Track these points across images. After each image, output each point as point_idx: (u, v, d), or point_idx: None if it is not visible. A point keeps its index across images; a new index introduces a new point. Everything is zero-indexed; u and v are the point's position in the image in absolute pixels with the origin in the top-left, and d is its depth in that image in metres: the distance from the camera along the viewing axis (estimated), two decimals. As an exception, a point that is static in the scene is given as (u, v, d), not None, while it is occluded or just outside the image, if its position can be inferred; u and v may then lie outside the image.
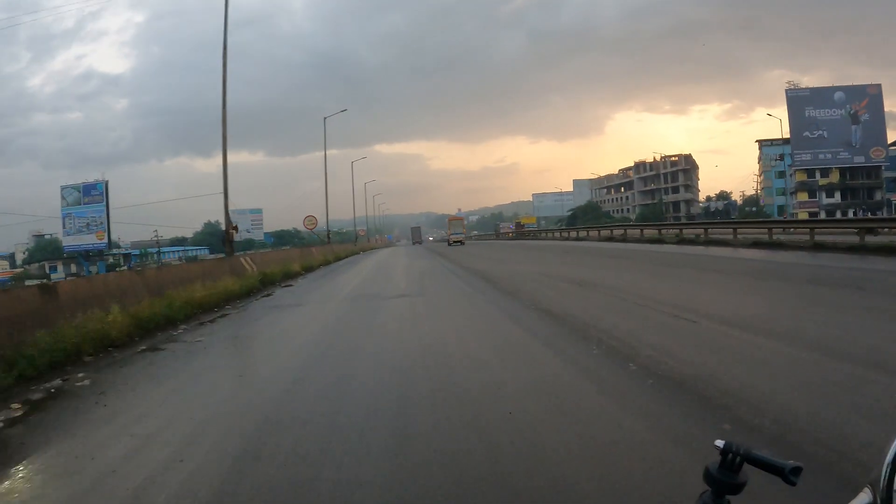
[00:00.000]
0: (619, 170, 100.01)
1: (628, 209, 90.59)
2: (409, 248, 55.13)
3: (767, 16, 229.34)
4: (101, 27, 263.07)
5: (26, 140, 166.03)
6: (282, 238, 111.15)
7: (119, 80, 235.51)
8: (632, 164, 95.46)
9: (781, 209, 61.47)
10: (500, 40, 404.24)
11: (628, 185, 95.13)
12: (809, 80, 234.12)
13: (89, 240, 57.98)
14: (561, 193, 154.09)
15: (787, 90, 56.93)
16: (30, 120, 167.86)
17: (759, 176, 69.28)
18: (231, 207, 17.35)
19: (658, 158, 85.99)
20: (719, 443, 0.91)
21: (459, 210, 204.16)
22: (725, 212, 74.94)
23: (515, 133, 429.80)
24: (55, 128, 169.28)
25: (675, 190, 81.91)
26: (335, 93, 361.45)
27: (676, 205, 79.91)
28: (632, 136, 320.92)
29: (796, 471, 0.87)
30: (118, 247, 69.91)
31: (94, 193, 58.40)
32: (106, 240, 58.72)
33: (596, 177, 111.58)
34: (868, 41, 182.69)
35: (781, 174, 62.42)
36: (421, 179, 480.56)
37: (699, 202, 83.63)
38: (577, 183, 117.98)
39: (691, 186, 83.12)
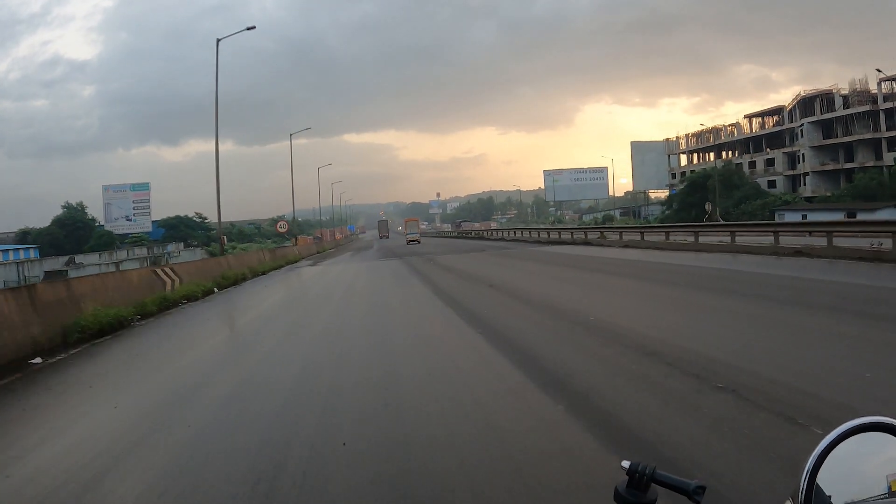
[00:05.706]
0: (744, 116, 68.01)
1: (778, 178, 56.72)
2: (371, 261, 27.58)
3: (739, 11, 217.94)
4: (68, 12, 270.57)
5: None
6: (177, 230, 72.91)
7: (86, 66, 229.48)
8: (777, 105, 64.03)
9: None
10: (472, 30, 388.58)
11: (775, 139, 59.75)
12: (778, 76, 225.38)
13: None
14: (584, 171, 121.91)
15: None
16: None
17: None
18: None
19: (863, 85, 52.13)
20: (625, 463, 0.89)
21: (438, 195, 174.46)
22: None
23: (485, 124, 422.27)
24: (20, 115, 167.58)
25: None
26: (305, 82, 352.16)
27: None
28: (602, 127, 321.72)
29: (700, 490, 0.86)
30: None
31: None
32: None
33: (674, 137, 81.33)
34: (837, 38, 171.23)
35: None
36: (389, 170, 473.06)
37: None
38: (638, 146, 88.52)
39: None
